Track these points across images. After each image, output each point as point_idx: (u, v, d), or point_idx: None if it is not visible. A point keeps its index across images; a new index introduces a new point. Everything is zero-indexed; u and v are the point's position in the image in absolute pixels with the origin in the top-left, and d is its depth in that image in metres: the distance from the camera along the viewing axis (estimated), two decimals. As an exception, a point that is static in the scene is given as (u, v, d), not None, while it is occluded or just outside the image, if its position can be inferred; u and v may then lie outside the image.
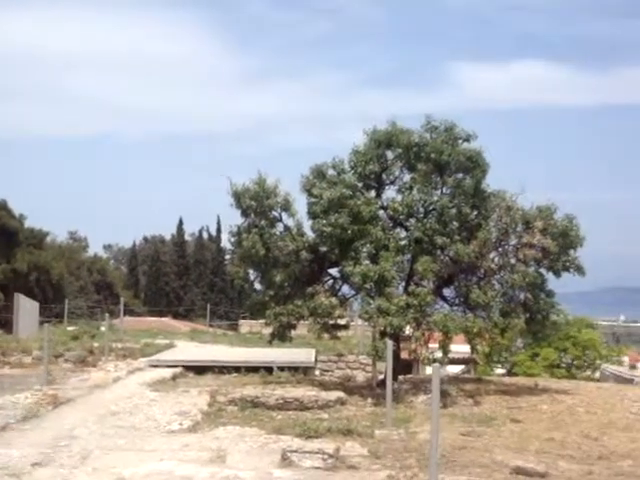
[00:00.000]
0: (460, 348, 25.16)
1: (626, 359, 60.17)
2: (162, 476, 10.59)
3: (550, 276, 20.35)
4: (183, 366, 23.61)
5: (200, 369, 23.40)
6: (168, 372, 22.42)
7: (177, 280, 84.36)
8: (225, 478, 10.54)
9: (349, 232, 19.35)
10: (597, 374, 46.62)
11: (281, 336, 21.03)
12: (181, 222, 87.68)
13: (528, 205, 20.40)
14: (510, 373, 46.21)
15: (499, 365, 52.28)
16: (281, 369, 22.96)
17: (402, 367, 22.04)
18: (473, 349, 20.52)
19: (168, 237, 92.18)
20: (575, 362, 51.11)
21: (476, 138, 20.13)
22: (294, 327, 21.11)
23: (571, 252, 20.16)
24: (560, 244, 19.74)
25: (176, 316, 65.55)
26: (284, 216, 20.58)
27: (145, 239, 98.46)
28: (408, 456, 12.20)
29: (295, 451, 11.55)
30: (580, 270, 20.29)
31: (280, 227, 20.66)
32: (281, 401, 17.34)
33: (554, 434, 14.90)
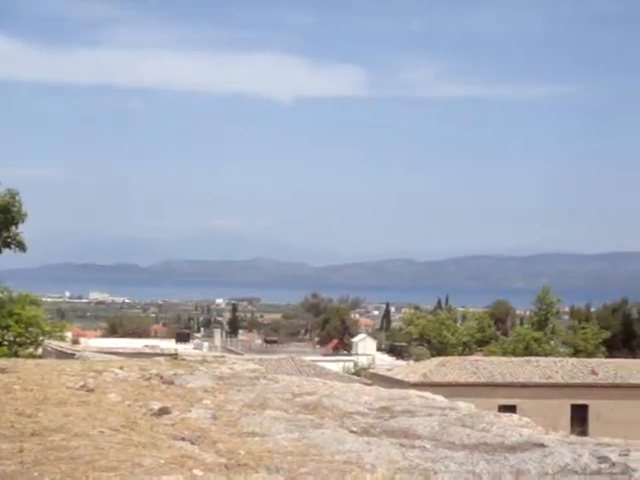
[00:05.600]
0: None
1: (69, 334, 61.51)
2: None
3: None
4: None
5: None
6: None
7: None
8: None
9: None
10: (40, 350, 46.82)
11: None
12: None
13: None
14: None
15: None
16: None
17: None
18: None
19: None
20: (18, 339, 50.83)
21: None
22: None
23: (12, 228, 19.94)
24: (1, 220, 19.39)
25: None
26: None
27: None
28: None
29: None
30: (22, 246, 20.21)
31: None
32: None
33: (-13, 414, 14.56)
